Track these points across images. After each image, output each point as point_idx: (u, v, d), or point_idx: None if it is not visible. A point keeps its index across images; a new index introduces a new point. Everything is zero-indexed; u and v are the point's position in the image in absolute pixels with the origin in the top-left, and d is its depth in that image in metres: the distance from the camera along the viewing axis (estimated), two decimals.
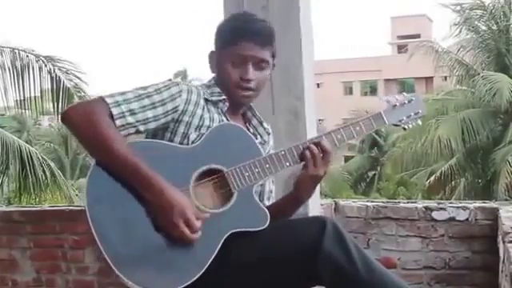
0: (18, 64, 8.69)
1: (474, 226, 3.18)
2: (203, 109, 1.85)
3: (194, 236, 1.70)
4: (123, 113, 1.73)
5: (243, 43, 1.84)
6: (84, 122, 1.71)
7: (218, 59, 1.91)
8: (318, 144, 1.83)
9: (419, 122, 1.99)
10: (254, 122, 2.00)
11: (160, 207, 1.68)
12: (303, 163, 1.84)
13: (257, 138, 1.95)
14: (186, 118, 1.82)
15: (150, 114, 1.76)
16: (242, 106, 1.95)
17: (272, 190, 2.03)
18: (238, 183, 1.78)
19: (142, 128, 1.77)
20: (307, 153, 1.82)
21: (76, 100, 8.67)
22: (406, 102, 1.96)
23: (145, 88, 1.80)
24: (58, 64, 8.90)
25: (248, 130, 1.96)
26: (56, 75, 8.79)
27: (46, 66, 8.79)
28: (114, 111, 1.72)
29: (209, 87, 1.92)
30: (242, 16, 1.96)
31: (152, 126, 1.78)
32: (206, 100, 1.87)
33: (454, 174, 15.00)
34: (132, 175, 1.68)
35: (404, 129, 2.00)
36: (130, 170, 1.68)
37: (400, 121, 1.96)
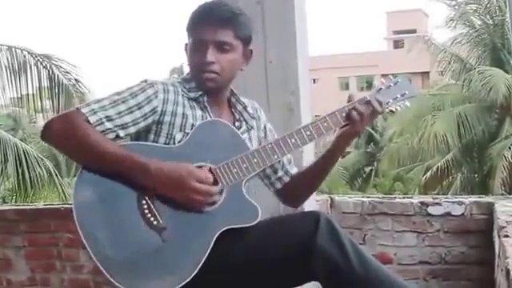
0: (15, 62, 8.67)
1: (469, 221, 3.18)
2: (184, 106, 1.82)
3: (215, 188, 1.72)
4: (101, 119, 1.71)
5: (201, 26, 1.81)
6: (63, 134, 1.70)
7: (187, 50, 1.88)
8: (368, 102, 1.88)
9: (407, 104, 1.98)
10: (239, 107, 1.96)
11: (167, 183, 1.68)
12: (346, 123, 1.88)
13: (241, 126, 1.92)
14: (167, 119, 1.79)
15: (127, 118, 1.74)
16: (221, 93, 1.90)
17: (290, 157, 2.03)
18: (226, 180, 1.77)
19: (121, 133, 1.75)
20: (354, 113, 1.86)
21: (75, 98, 8.67)
22: (392, 84, 1.96)
23: (120, 93, 1.77)
24: (55, 62, 8.90)
25: (234, 116, 1.94)
26: (54, 74, 8.78)
27: (42, 64, 8.77)
28: (92, 119, 1.70)
29: (188, 82, 1.88)
30: (208, 3, 1.89)
31: (132, 130, 1.76)
32: (186, 97, 1.84)
33: (451, 170, 15.00)
34: (128, 166, 1.67)
35: (391, 111, 1.98)
36: (123, 162, 1.67)
37: (387, 103, 1.94)
